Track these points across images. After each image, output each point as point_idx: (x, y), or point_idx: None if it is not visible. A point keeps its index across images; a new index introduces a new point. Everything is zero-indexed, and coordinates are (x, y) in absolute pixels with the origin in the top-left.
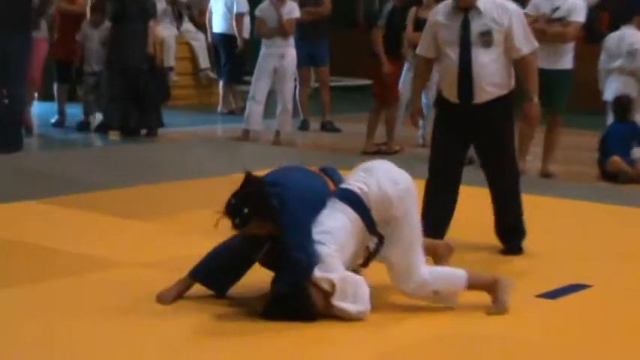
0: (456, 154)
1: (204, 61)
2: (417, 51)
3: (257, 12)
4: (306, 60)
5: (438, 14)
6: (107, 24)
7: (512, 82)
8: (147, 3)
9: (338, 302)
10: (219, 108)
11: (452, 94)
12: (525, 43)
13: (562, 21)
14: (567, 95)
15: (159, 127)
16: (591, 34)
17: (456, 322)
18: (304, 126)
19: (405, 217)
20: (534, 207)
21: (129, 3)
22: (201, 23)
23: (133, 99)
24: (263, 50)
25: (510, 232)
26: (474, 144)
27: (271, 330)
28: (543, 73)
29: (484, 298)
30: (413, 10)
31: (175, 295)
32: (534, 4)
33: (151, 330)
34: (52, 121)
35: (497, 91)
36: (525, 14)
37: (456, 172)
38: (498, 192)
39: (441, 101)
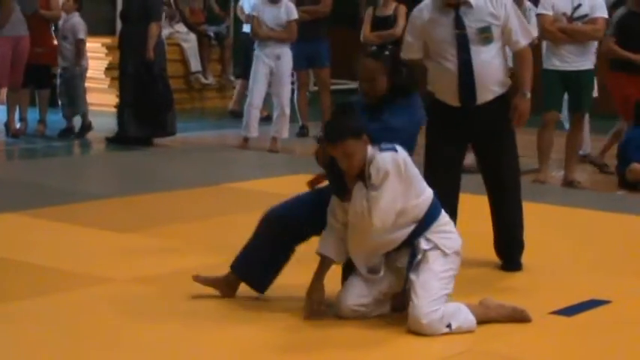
0: (455, 164)
1: (195, 65)
2: (401, 54)
3: (252, 11)
4: (304, 61)
5: (424, 13)
6: (77, 17)
7: (523, 77)
8: (148, 1)
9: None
10: (231, 106)
11: (451, 98)
12: (523, 35)
13: (584, 19)
14: (592, 95)
15: (158, 137)
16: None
17: (474, 340)
18: (303, 132)
19: None
20: (546, 216)
21: (131, 3)
22: (192, 23)
23: (133, 106)
24: (257, 52)
25: (509, 247)
26: (475, 150)
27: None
28: (570, 75)
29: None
30: (370, 9)
31: (211, 281)
32: (551, 3)
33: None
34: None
35: (500, 89)
36: (541, 15)
37: (455, 182)
38: (498, 203)
39: (436, 106)
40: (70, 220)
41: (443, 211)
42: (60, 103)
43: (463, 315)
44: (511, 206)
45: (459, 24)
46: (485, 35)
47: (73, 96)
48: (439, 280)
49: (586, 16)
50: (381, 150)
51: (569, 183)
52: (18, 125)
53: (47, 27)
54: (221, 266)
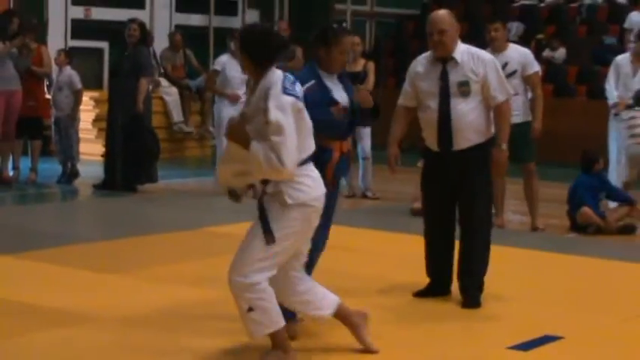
0: (445, 202)
1: (177, 115)
2: (399, 101)
3: (216, 66)
4: None
5: (418, 66)
6: (70, 69)
7: (492, 129)
8: (138, 60)
9: None
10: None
11: (433, 143)
12: (500, 92)
13: (513, 75)
14: (534, 146)
15: (143, 183)
16: (560, 88)
17: None
18: None
19: None
20: (505, 258)
21: (124, 58)
22: (174, 77)
23: (121, 155)
24: (225, 109)
25: (471, 285)
26: (457, 189)
27: None
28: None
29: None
30: None
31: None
32: None
33: None
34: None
35: (476, 138)
36: None
37: (449, 218)
38: (466, 242)
39: (425, 150)
40: (56, 262)
41: (312, 165)
42: (56, 150)
43: (276, 318)
44: (477, 248)
45: (443, 77)
46: (463, 89)
47: (67, 144)
48: (260, 243)
49: (515, 72)
50: (285, 92)
51: (534, 229)
52: (11, 173)
53: (40, 82)
54: (208, 302)
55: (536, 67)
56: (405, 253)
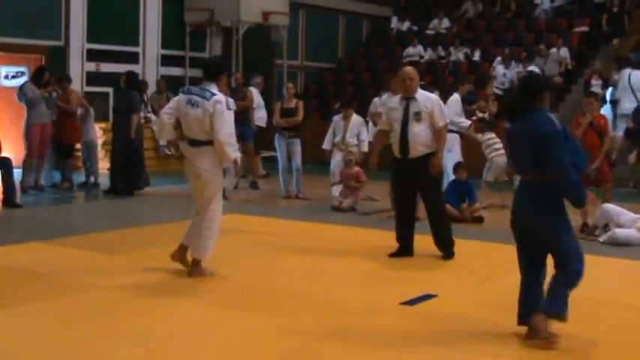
0: (408, 192)
1: (162, 140)
2: (378, 127)
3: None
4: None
5: (391, 103)
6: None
7: (438, 144)
8: (131, 101)
9: None
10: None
11: (397, 152)
12: (441, 119)
13: None
14: None
15: (136, 189)
16: None
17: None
18: (254, 185)
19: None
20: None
21: (120, 100)
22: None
23: (120, 169)
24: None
25: (444, 244)
26: (416, 184)
27: None
28: None
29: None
30: (278, 103)
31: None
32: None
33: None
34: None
35: (425, 149)
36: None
37: (411, 204)
38: (431, 219)
39: (393, 159)
40: (77, 247)
41: None
42: (84, 165)
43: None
44: (439, 221)
45: (406, 109)
46: (417, 117)
47: (92, 161)
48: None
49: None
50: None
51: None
52: (41, 182)
53: (72, 116)
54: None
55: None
56: (329, 238)
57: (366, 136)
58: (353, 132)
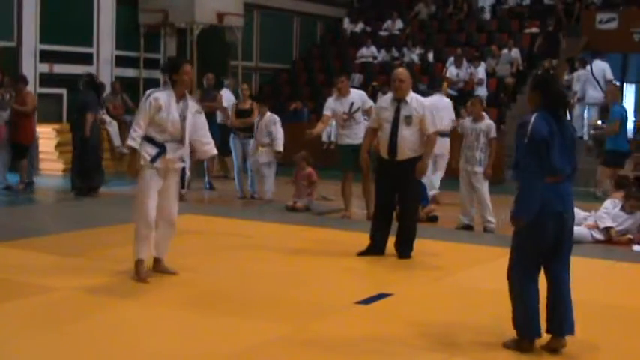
0: (390, 193)
1: (117, 141)
2: (368, 124)
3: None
4: None
5: (382, 102)
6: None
7: (426, 149)
8: (86, 101)
9: None
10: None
11: (385, 153)
12: (432, 126)
13: (358, 110)
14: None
15: (92, 187)
16: None
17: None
18: (209, 187)
19: None
20: (353, 241)
21: (75, 101)
22: (114, 114)
23: (77, 169)
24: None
25: (405, 244)
26: (398, 184)
27: None
28: (356, 147)
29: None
30: (233, 105)
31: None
32: (331, 107)
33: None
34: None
35: (412, 153)
36: (325, 115)
37: (391, 204)
38: (401, 217)
39: (379, 158)
40: (30, 249)
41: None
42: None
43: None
44: (409, 222)
45: (397, 111)
46: (407, 120)
47: (33, 161)
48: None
49: (359, 108)
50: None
51: (368, 219)
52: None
53: (28, 117)
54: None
55: (371, 103)
56: (284, 238)
57: (281, 135)
58: (264, 131)
